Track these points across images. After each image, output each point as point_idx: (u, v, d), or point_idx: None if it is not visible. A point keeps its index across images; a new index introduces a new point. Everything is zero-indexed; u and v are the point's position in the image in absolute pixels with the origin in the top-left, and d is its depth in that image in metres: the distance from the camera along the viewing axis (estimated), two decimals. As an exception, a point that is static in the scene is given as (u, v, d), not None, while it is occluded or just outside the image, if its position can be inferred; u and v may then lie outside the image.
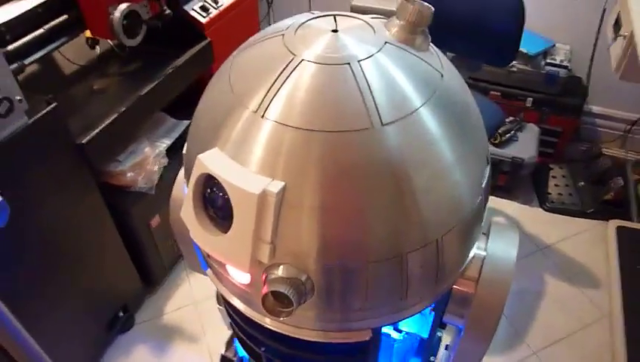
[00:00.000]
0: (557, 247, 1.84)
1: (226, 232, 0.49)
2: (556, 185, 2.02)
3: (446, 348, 0.90)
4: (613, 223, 1.83)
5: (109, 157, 1.37)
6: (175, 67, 1.45)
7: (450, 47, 1.51)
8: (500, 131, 1.85)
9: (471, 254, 0.60)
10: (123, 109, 1.29)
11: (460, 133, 0.52)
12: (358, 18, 0.56)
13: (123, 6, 1.25)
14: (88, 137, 1.20)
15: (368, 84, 0.48)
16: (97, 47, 1.52)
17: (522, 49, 1.88)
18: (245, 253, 0.48)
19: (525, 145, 1.90)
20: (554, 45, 1.94)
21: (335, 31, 0.53)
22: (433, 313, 0.70)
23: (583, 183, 2.01)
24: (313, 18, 0.56)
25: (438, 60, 0.56)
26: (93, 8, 1.27)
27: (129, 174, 1.36)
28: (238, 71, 0.54)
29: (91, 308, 1.44)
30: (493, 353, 1.51)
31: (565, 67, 1.88)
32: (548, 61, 1.89)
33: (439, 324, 0.74)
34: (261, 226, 0.47)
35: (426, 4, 0.51)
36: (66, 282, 1.30)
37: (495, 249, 0.61)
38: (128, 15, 1.27)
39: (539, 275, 1.74)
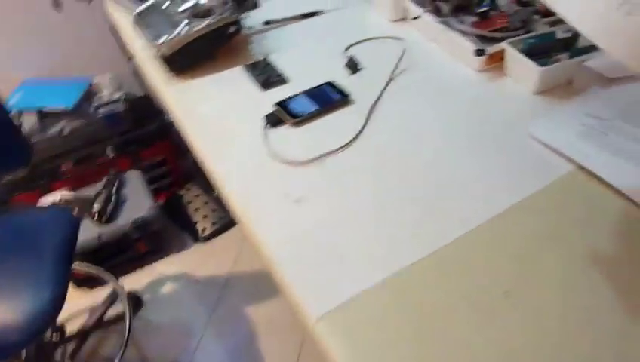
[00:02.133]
0: (235, 271, 1.67)
1: None
2: (197, 209, 1.83)
3: None
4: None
5: None
6: None
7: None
8: (97, 210, 1.50)
9: None
10: None
11: None
12: None
13: None
14: None
15: None
16: None
17: (57, 107, 1.52)
18: None
19: (137, 199, 1.60)
20: (91, 84, 1.63)
21: None
22: None
23: (215, 192, 1.88)
24: None
25: None
26: None
27: None
28: None
29: None
30: None
31: (117, 100, 1.61)
32: (95, 104, 1.58)
33: None
34: None
35: None
36: None
37: None
38: None
39: (234, 321, 1.55)
